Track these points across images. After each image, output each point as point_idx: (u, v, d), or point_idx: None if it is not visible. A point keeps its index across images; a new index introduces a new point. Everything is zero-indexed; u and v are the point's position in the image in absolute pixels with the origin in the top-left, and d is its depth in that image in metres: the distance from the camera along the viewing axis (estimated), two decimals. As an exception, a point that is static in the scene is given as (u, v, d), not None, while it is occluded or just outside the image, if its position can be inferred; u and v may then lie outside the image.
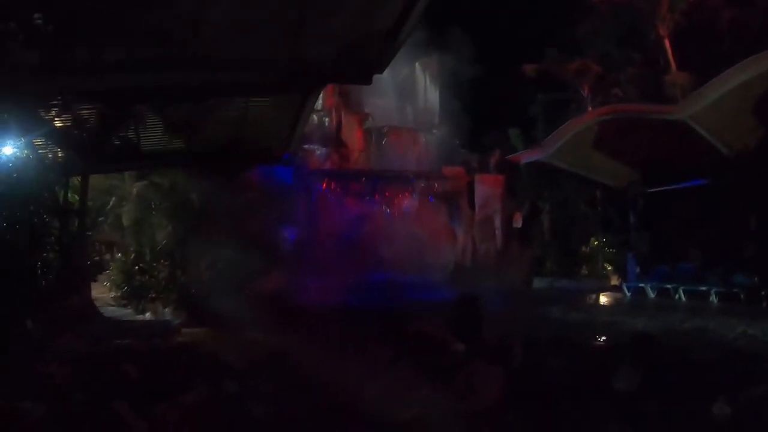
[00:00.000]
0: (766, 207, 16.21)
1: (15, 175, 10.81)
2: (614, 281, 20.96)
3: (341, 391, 7.18)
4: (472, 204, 22.14)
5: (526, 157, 21.14)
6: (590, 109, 22.74)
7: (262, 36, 8.38)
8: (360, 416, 6.57)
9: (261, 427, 6.30)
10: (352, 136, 25.41)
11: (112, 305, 14.45)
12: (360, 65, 9.22)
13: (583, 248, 22.79)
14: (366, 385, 7.22)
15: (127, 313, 14.15)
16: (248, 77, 9.29)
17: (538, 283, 21.21)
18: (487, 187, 22.28)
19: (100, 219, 15.07)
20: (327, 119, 24.86)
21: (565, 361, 9.21)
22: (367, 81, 9.76)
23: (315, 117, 22.58)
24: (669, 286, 17.49)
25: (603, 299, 18.25)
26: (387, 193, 21.68)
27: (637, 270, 20.02)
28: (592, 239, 22.64)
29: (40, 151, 12.19)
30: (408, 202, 21.69)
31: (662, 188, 19.50)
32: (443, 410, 6.70)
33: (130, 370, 6.97)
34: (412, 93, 28.93)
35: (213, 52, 8.58)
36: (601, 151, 18.99)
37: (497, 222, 21.78)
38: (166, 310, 14.32)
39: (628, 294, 18.54)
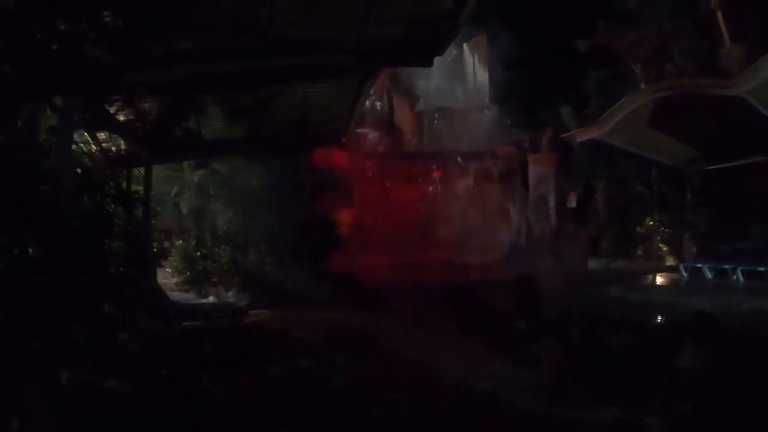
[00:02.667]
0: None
1: (80, 169, 11.24)
2: (670, 262, 20.60)
3: (414, 364, 7.39)
4: (525, 184, 22.04)
5: (581, 135, 20.87)
6: (644, 85, 22.23)
7: (330, 17, 8.45)
8: (433, 387, 6.76)
9: (340, 397, 6.52)
10: (404, 119, 25.50)
11: (175, 290, 14.91)
12: (422, 47, 9.25)
13: (639, 228, 22.43)
14: (435, 358, 7.41)
15: (190, 297, 14.63)
16: (315, 60, 9.36)
17: (593, 263, 21.02)
18: (540, 167, 22.11)
19: (159, 208, 15.53)
20: (379, 103, 25.01)
21: (624, 339, 9.24)
22: (428, 63, 9.78)
23: (367, 101, 22.74)
24: (727, 266, 17.04)
25: (659, 279, 17.99)
26: (440, 175, 21.77)
27: (694, 250, 19.65)
28: (648, 219, 22.26)
29: (104, 144, 12.64)
30: (462, 183, 21.74)
31: (720, 166, 19.03)
32: (511, 382, 6.85)
33: (208, 347, 7.27)
34: (461, 74, 28.80)
35: (281, 36, 8.65)
36: (658, 129, 18.62)
37: (551, 202, 21.63)
38: (229, 293, 14.77)
39: (685, 274, 18.21)
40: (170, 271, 15.72)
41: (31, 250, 8.01)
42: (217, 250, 15.30)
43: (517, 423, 6.01)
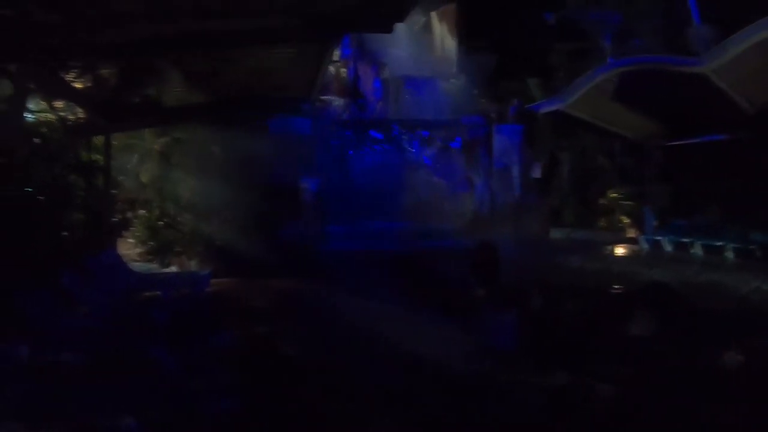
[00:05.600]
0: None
1: (37, 138, 11.04)
2: (631, 234, 20.95)
3: (366, 330, 7.46)
4: (490, 154, 22.13)
5: (545, 106, 20.96)
6: (610, 59, 22.36)
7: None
8: (382, 353, 6.84)
9: (290, 363, 6.58)
10: (370, 87, 25.33)
11: (138, 261, 14.80)
12: (381, 13, 9.17)
13: (601, 200, 22.75)
14: (389, 325, 7.50)
15: (153, 267, 14.55)
16: (270, 24, 9.25)
17: (555, 233, 21.30)
18: (505, 137, 22.18)
19: (121, 177, 15.32)
20: (344, 70, 24.77)
21: (580, 306, 9.44)
22: (388, 30, 9.72)
23: (332, 68, 22.49)
24: (686, 240, 17.44)
25: (619, 251, 18.31)
26: (405, 143, 21.74)
27: (655, 223, 19.99)
28: (610, 191, 22.57)
29: (61, 113, 12.39)
30: (426, 152, 21.75)
31: (681, 142, 19.32)
32: (461, 349, 6.96)
33: (165, 316, 7.28)
34: (429, 43, 28.59)
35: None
36: (621, 103, 18.74)
37: (515, 172, 21.78)
38: (192, 262, 14.71)
39: (645, 246, 18.58)
40: (133, 241, 15.56)
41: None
42: (179, 219, 15.18)
43: (464, 387, 6.12)
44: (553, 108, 20.47)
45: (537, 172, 22.56)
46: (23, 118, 10.46)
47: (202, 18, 8.70)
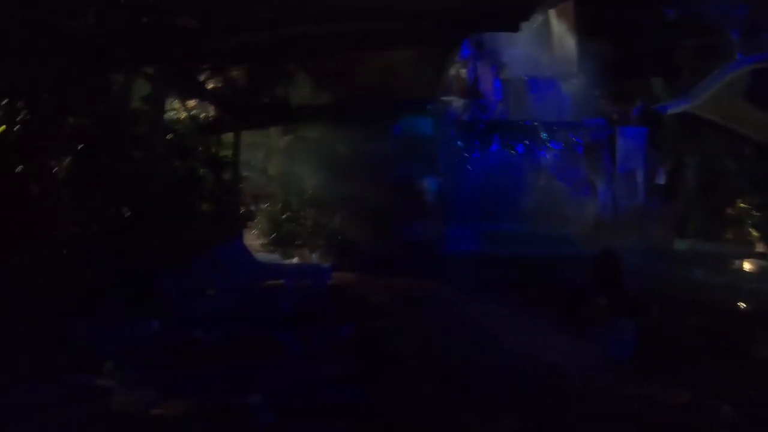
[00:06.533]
0: None
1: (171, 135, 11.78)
2: (760, 248, 19.63)
3: (484, 332, 7.49)
4: (613, 157, 21.49)
5: (672, 107, 20.09)
6: (740, 56, 21.12)
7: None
8: (499, 357, 6.85)
9: (409, 359, 6.73)
10: (490, 87, 25.17)
11: (261, 251, 15.52)
12: (507, 12, 9.16)
13: (729, 210, 21.47)
14: (508, 329, 7.48)
15: (274, 258, 15.21)
16: (399, 26, 9.42)
17: (678, 243, 20.35)
18: (630, 140, 21.39)
19: (247, 173, 16.10)
20: (464, 70, 24.74)
21: (705, 323, 9.05)
22: (514, 28, 9.69)
23: (452, 68, 22.55)
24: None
25: (747, 265, 17.26)
26: (526, 144, 21.48)
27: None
28: (739, 200, 21.25)
29: (194, 111, 13.22)
30: (548, 154, 21.39)
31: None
32: (582, 359, 6.86)
33: (286, 305, 7.62)
34: (548, 42, 28.02)
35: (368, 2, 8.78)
36: (754, 103, 17.77)
37: (639, 177, 21.00)
38: (313, 256, 15.26)
39: (775, 262, 17.37)
40: (256, 233, 16.33)
41: (123, 209, 8.62)
42: (302, 213, 15.78)
43: (579, 397, 6.05)
44: (680, 109, 19.61)
45: (661, 178, 21.64)
46: (162, 116, 11.25)
47: (332, 21, 9.00)
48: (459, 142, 20.64)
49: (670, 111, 20.22)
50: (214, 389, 5.48)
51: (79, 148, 7.62)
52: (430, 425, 5.24)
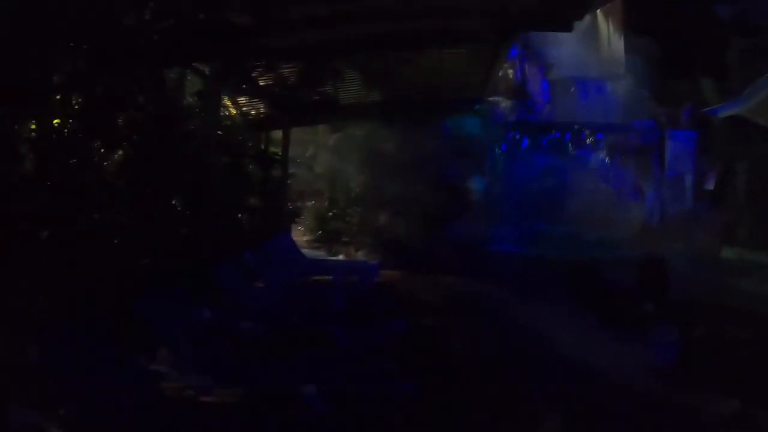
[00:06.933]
0: None
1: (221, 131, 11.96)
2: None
3: (531, 332, 7.47)
4: (661, 161, 21.14)
5: (722, 110, 19.64)
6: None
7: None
8: (545, 358, 6.83)
9: (459, 356, 6.75)
10: (537, 88, 25.00)
11: (306, 248, 15.68)
12: (561, 11, 9.06)
13: (779, 217, 20.85)
14: (553, 330, 7.45)
15: (320, 254, 15.36)
16: (454, 24, 9.40)
17: (726, 251, 19.87)
18: (679, 144, 21.04)
19: (295, 169, 16.28)
20: (511, 71, 24.62)
21: (752, 333, 8.88)
22: (568, 27, 9.58)
23: (500, 69, 22.44)
24: None
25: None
26: (573, 146, 21.28)
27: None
28: (789, 208, 20.61)
29: (244, 108, 13.41)
30: (595, 156, 21.16)
31: None
32: (628, 363, 6.80)
33: (334, 300, 7.71)
34: (595, 42, 27.65)
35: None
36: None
37: (688, 182, 20.62)
38: (359, 253, 15.37)
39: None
40: (302, 229, 16.51)
41: (175, 202, 8.81)
42: (348, 211, 15.89)
43: (635, 402, 6.01)
44: (730, 112, 19.15)
45: (710, 183, 21.17)
46: (216, 112, 11.44)
47: (383, 20, 9.03)
48: (506, 143, 20.56)
49: (721, 114, 19.76)
50: (267, 379, 5.58)
51: (132, 142, 7.80)
52: (477, 420, 5.26)
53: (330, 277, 10.73)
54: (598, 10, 26.94)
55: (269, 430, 4.88)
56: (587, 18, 26.43)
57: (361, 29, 9.58)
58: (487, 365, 6.77)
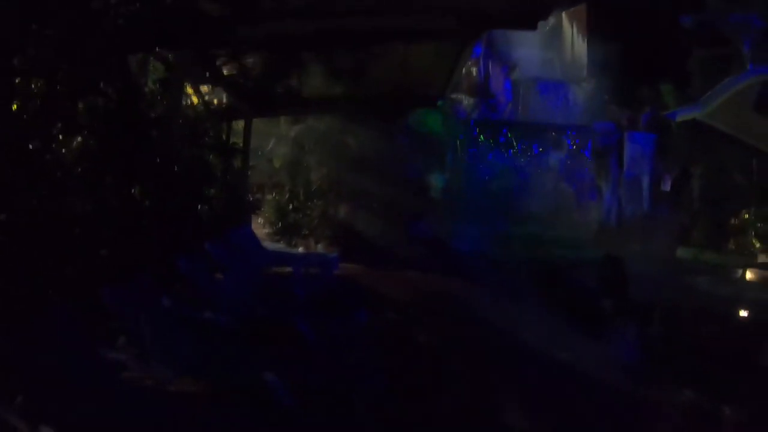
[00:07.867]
0: None
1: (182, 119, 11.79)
2: (763, 258, 19.62)
3: (490, 326, 7.57)
4: (620, 162, 21.55)
5: (681, 114, 20.08)
6: (751, 66, 21.07)
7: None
8: (507, 352, 6.93)
9: (419, 349, 6.81)
10: (500, 87, 25.24)
11: (266, 240, 15.57)
12: (527, 9, 9.12)
13: (734, 220, 21.44)
14: (512, 325, 7.56)
15: (280, 247, 15.29)
16: (421, 22, 9.39)
17: (682, 252, 20.38)
18: (638, 146, 21.50)
19: (256, 161, 16.14)
20: (474, 69, 24.80)
21: (707, 329, 9.15)
22: (533, 26, 9.64)
23: (463, 67, 22.59)
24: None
25: (749, 275, 17.29)
26: (534, 146, 21.55)
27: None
28: (744, 212, 21.20)
29: (206, 97, 13.24)
30: (555, 157, 21.47)
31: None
32: (589, 359, 6.95)
33: (296, 291, 7.68)
34: (559, 44, 28.06)
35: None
36: (763, 114, 17.77)
37: (645, 183, 21.08)
38: (318, 246, 15.34)
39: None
40: (261, 221, 16.40)
41: (134, 191, 8.67)
42: (309, 203, 15.84)
43: (595, 396, 6.15)
44: (689, 116, 19.59)
45: (667, 185, 21.68)
46: (179, 100, 11.26)
47: (356, 16, 9.00)
48: (467, 141, 20.72)
49: (679, 118, 20.21)
50: (229, 369, 5.54)
51: (94, 127, 7.65)
52: (441, 413, 5.31)
53: (290, 269, 10.70)
54: (563, 14, 27.34)
55: (231, 421, 4.85)
56: (552, 21, 26.90)
57: (327, 23, 9.51)
58: (448, 357, 6.84)
